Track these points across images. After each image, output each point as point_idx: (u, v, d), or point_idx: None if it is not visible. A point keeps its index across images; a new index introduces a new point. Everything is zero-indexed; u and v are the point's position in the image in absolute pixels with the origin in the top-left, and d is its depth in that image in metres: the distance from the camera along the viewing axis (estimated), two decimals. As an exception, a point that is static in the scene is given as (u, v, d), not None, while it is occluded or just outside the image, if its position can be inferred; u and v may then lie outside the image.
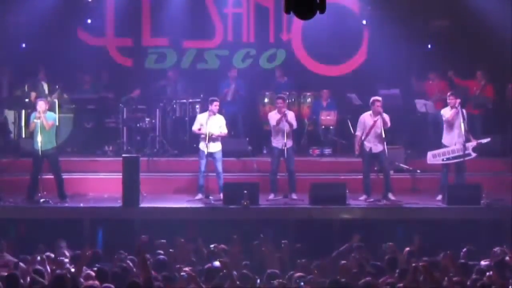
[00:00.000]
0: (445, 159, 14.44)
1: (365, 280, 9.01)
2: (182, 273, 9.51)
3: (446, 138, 14.54)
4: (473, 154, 14.35)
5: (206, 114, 14.65)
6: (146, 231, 12.21)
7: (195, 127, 14.71)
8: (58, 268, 9.71)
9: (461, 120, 14.27)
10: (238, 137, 17.02)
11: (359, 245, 11.38)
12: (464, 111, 14.49)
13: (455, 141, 14.37)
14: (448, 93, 14.74)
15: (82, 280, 9.19)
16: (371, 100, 14.39)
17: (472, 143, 14.34)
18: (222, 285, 8.96)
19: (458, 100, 14.38)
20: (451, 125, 14.41)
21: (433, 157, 14.59)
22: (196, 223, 13.79)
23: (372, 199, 14.42)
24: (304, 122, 17.12)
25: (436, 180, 14.79)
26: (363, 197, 14.44)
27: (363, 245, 11.43)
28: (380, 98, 14.41)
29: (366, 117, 14.38)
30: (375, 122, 14.21)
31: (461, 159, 14.29)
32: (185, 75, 17.89)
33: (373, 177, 14.61)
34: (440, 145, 14.60)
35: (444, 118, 14.49)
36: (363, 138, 14.31)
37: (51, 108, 15.15)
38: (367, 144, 14.36)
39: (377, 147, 14.30)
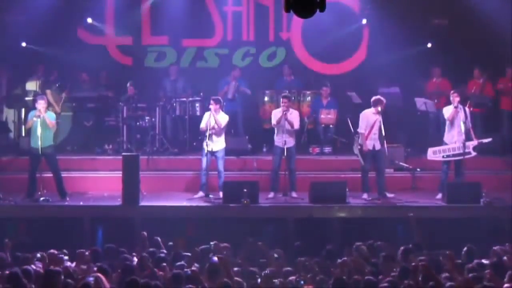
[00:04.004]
0: (445, 156, 14.45)
1: (367, 279, 9.01)
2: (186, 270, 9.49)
3: (447, 136, 14.56)
4: (473, 153, 14.35)
5: (209, 113, 14.66)
6: (146, 229, 12.18)
7: (202, 125, 14.66)
8: (57, 266, 9.69)
9: (462, 119, 14.28)
10: (238, 136, 16.99)
11: (359, 244, 11.37)
12: (467, 109, 14.51)
13: (455, 139, 14.38)
14: (452, 91, 14.74)
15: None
16: (375, 99, 14.38)
17: (473, 142, 14.33)
18: (226, 284, 8.92)
19: (457, 99, 14.40)
20: (451, 123, 14.44)
21: (434, 154, 14.60)
22: (196, 222, 13.78)
23: (372, 198, 14.42)
24: (304, 120, 17.09)
25: (436, 179, 14.79)
26: (365, 195, 14.42)
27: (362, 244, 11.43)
28: (383, 100, 14.39)
29: (369, 115, 14.38)
30: (376, 120, 14.22)
31: (461, 157, 14.31)
32: (184, 73, 17.87)
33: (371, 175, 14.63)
34: (440, 144, 14.61)
35: (445, 117, 14.52)
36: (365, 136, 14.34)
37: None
38: (369, 142, 14.36)
39: (378, 145, 14.31)
